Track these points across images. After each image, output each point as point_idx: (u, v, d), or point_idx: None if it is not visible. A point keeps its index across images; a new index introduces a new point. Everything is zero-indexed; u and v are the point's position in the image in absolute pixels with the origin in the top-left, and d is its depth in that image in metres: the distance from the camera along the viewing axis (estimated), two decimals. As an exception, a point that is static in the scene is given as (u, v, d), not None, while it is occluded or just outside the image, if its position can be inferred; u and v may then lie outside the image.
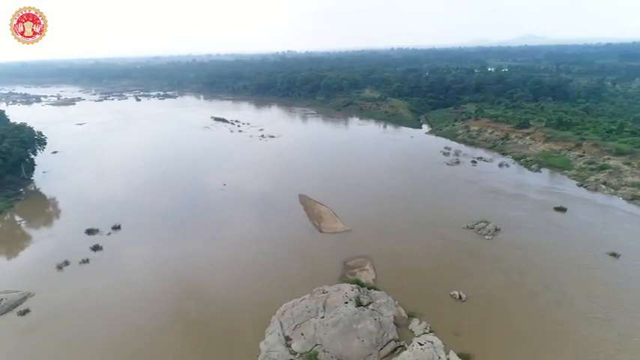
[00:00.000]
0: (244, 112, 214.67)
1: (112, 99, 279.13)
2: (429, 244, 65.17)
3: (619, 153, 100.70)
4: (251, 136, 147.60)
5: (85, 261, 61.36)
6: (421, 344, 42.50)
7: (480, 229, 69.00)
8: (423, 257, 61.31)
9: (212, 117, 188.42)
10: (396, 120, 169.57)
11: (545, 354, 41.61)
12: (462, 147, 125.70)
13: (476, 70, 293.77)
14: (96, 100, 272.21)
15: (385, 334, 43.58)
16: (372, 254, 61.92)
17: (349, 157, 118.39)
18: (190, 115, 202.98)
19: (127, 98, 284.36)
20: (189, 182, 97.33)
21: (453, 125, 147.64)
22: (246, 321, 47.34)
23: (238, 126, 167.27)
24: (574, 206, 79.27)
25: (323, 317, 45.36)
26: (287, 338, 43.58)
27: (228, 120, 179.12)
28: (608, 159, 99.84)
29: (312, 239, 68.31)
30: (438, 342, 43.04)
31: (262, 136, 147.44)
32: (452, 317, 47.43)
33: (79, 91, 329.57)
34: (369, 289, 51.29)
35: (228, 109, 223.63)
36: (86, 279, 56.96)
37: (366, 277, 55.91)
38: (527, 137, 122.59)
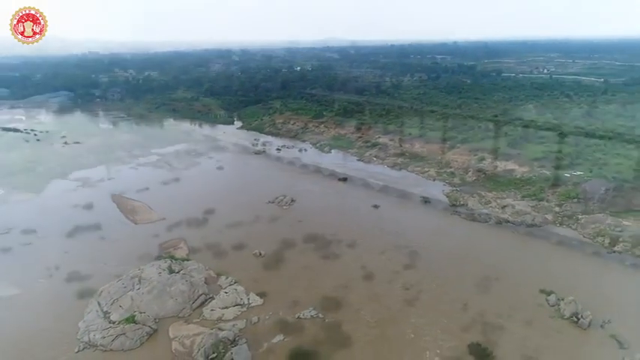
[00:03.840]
0: (41, 118, 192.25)
1: None
2: (237, 220, 75.48)
3: (386, 132, 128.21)
4: (52, 144, 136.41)
5: None
6: (226, 292, 52.52)
7: (279, 202, 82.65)
8: (232, 230, 71.44)
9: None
10: (210, 118, 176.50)
11: (318, 276, 56.71)
12: (268, 138, 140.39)
13: (283, 70, 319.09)
14: None
15: (196, 291, 52.11)
16: (186, 235, 69.28)
17: (163, 155, 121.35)
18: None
19: None
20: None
21: (262, 120, 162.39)
22: (68, 315, 49.18)
23: (35, 135, 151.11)
24: (353, 176, 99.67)
25: (139, 289, 51.40)
26: (106, 313, 48.40)
27: (22, 129, 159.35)
28: (379, 137, 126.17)
29: (127, 231, 72.01)
30: (240, 288, 53.70)
31: (66, 142, 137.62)
32: (253, 269, 58.89)
33: None
34: (182, 261, 59.10)
35: (19, 116, 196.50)
36: None
37: (180, 253, 63.28)
38: (322, 125, 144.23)
